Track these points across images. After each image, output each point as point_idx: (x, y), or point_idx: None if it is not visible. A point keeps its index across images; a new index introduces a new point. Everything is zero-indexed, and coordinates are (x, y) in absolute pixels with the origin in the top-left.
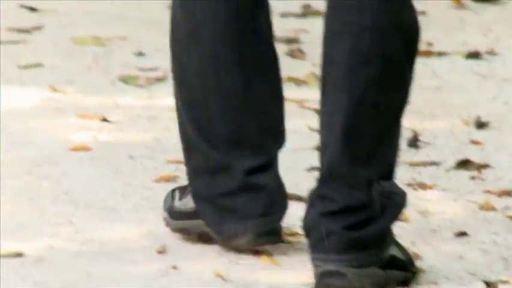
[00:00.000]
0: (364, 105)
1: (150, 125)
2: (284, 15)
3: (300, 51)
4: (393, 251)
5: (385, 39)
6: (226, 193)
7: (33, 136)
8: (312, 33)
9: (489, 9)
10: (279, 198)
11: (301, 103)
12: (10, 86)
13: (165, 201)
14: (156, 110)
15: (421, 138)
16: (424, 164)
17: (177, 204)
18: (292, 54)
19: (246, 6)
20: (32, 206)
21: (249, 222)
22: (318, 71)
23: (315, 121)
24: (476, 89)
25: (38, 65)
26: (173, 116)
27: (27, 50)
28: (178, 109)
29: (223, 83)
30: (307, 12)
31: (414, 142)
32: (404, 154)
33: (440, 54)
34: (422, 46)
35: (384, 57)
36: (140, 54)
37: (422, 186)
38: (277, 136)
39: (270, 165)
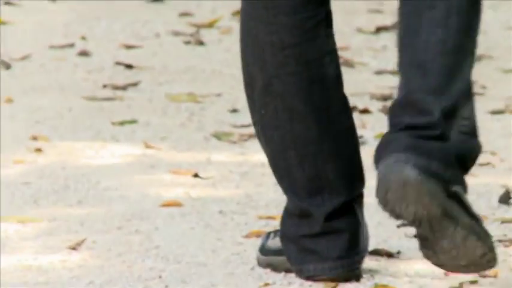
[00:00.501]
0: (431, 42)
1: (242, 181)
2: (379, 72)
3: None
4: (462, 192)
5: None
6: (308, 235)
7: (126, 191)
8: None
9: None
10: (357, 242)
11: None
12: (104, 142)
13: (261, 241)
14: (249, 166)
15: None
16: None
17: (269, 242)
18: (386, 110)
19: (314, 57)
20: (122, 260)
21: (326, 264)
22: None
23: None
24: None
25: (133, 122)
26: (265, 172)
27: (122, 107)
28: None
29: (297, 132)
30: None
31: (506, 199)
32: (496, 211)
33: None
34: None
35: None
36: (234, 110)
37: None
38: (354, 178)
39: (349, 208)
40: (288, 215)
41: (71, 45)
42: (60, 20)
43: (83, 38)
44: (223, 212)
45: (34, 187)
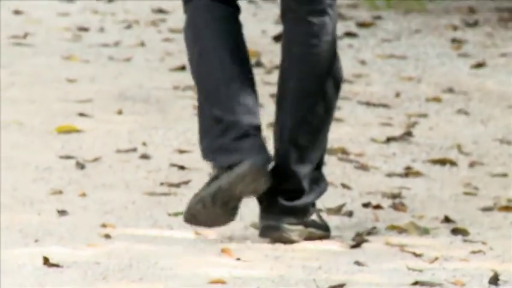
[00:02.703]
0: (302, 123)
1: (275, 263)
2: (390, 175)
3: (402, 204)
4: (315, 217)
5: (321, 81)
6: (235, 138)
7: (179, 270)
8: (412, 190)
9: None
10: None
11: (402, 247)
12: (162, 230)
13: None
14: (281, 251)
15: (500, 277)
16: None
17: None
18: (395, 207)
19: (233, 27)
20: None
21: (250, 157)
22: (417, 221)
23: (413, 262)
24: None
25: None
26: (294, 255)
27: (176, 201)
28: (199, 101)
29: (227, 74)
30: (409, 172)
31: (495, 281)
32: None
33: None
34: (502, 202)
35: (320, 93)
36: None
37: None
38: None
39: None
40: (206, 132)
41: (134, 150)
42: (125, 129)
43: (144, 143)
44: None
45: (103, 266)
